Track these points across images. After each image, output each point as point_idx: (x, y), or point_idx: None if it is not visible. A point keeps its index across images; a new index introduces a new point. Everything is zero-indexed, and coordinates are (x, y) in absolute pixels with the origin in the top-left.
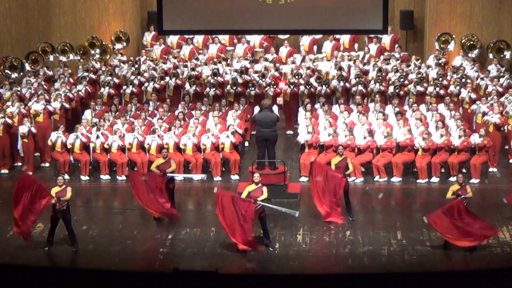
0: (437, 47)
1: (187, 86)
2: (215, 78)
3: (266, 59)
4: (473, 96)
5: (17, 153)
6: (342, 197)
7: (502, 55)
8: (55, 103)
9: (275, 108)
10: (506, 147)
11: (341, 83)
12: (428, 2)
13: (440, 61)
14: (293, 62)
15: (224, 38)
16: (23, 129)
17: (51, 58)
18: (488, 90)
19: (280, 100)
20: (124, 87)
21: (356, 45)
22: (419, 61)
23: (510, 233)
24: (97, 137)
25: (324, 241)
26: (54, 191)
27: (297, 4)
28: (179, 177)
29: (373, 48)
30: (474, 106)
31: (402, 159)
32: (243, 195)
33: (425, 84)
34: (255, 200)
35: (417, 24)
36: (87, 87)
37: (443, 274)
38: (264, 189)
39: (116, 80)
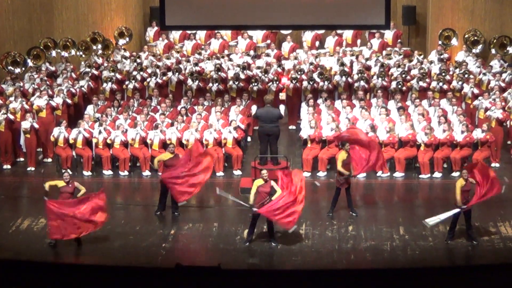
0: (439, 42)
1: (189, 81)
2: (219, 73)
3: (267, 55)
4: (476, 91)
5: (19, 149)
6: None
7: (505, 51)
8: (57, 98)
9: (281, 107)
10: (509, 142)
11: (344, 79)
12: None
13: (442, 56)
14: (296, 58)
15: (226, 34)
16: (25, 125)
17: (53, 53)
18: (490, 85)
19: (282, 95)
20: (127, 82)
21: (358, 41)
22: (422, 57)
23: None
24: (100, 132)
25: (326, 236)
26: (59, 184)
27: None
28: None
29: (375, 43)
30: (476, 102)
31: (404, 154)
32: (252, 191)
33: (427, 80)
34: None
35: (419, 20)
36: (89, 83)
37: (445, 269)
38: (273, 183)
39: (119, 76)
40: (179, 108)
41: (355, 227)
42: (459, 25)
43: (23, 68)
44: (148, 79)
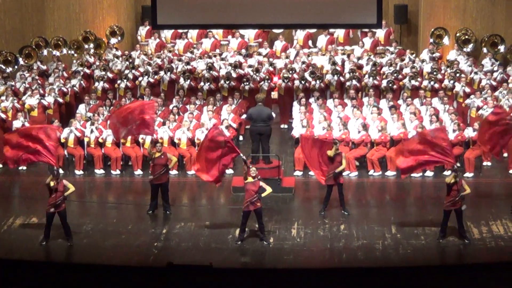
0: (431, 41)
1: (181, 80)
2: (210, 72)
3: (260, 54)
4: (467, 90)
5: None
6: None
7: (496, 49)
8: (49, 97)
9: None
10: None
11: (336, 77)
12: None
13: (434, 55)
14: (288, 57)
15: (218, 33)
16: (17, 124)
17: (45, 52)
18: (482, 84)
19: (274, 94)
20: (119, 81)
21: (350, 35)
22: (414, 55)
23: (504, 227)
24: (92, 131)
25: (318, 235)
26: (51, 183)
27: None
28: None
29: (367, 42)
30: (468, 100)
31: None
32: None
33: (419, 79)
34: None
35: (411, 18)
36: (81, 82)
37: (437, 268)
38: (262, 183)
39: (110, 75)
40: (171, 107)
41: (347, 226)
42: (451, 24)
43: (15, 67)
44: (140, 78)
